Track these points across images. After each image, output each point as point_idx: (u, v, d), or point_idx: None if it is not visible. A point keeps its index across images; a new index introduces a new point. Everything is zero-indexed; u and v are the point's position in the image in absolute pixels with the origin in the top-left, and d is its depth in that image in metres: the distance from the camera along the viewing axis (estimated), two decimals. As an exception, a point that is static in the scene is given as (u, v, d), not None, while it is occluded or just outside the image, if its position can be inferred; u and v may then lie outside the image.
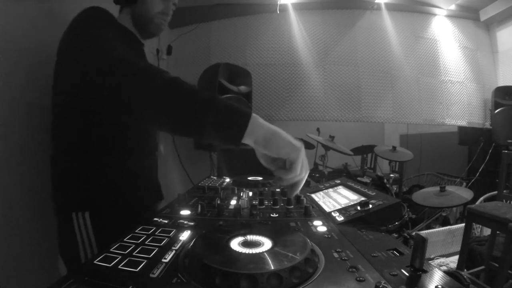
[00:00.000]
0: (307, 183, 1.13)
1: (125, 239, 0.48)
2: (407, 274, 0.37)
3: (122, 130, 0.82)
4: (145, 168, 0.94)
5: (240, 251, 0.40)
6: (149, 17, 0.88)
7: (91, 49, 0.65)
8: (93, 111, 0.74)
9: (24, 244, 0.92)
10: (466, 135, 3.24)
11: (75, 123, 0.78)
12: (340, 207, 0.71)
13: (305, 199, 0.75)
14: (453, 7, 3.06)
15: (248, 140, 0.54)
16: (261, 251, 0.40)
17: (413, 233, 1.74)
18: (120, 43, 0.70)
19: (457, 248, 1.95)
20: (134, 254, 0.42)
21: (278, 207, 0.71)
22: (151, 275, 0.36)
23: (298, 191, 0.61)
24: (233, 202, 0.76)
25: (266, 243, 0.43)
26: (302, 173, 0.58)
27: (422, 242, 0.36)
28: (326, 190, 0.93)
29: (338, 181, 0.97)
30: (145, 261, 0.40)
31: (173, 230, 0.53)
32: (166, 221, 0.59)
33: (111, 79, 0.59)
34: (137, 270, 0.37)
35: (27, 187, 0.95)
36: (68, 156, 0.81)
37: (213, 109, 0.53)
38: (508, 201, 1.94)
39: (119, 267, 0.38)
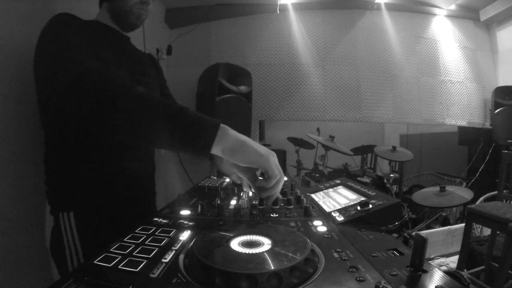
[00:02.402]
0: (307, 183, 1.13)
1: (125, 239, 0.48)
2: (407, 274, 0.37)
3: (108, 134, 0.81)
4: (134, 168, 0.92)
5: (240, 251, 0.40)
6: (126, 9, 0.87)
7: (56, 61, 0.65)
8: (71, 116, 0.72)
9: (19, 244, 0.92)
10: (466, 135, 3.24)
11: (58, 123, 0.79)
12: (340, 207, 0.71)
13: (305, 199, 0.75)
14: (453, 7, 3.06)
15: (216, 150, 0.54)
16: (261, 251, 0.40)
17: (413, 233, 1.74)
18: (94, 42, 0.70)
19: (457, 248, 1.96)
20: (134, 254, 0.42)
21: (278, 207, 0.71)
22: (151, 275, 0.36)
23: (275, 197, 0.63)
24: (233, 202, 0.76)
25: (266, 243, 0.43)
26: (281, 177, 0.59)
27: (422, 242, 0.36)
28: (326, 190, 0.93)
29: (338, 181, 0.97)
30: (145, 261, 0.40)
31: (173, 230, 0.52)
32: (166, 221, 0.59)
33: (73, 90, 0.59)
34: (137, 270, 0.37)
35: (23, 186, 0.95)
36: (56, 155, 0.81)
37: (180, 122, 0.54)
38: (508, 201, 1.94)
39: (119, 267, 0.38)
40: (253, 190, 0.67)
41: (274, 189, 0.60)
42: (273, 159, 0.58)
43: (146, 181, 1.01)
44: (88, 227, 0.78)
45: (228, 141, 0.55)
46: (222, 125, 0.55)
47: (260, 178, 0.63)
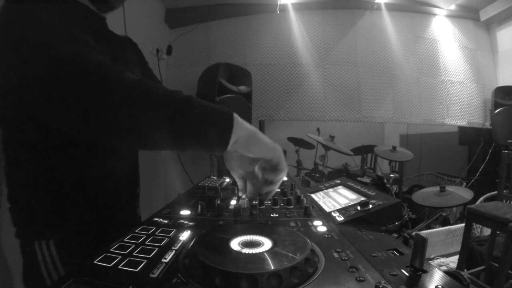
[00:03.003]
0: (307, 183, 1.13)
1: (125, 239, 0.48)
2: (407, 274, 0.37)
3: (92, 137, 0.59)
4: (118, 172, 0.76)
5: (240, 251, 0.40)
6: None
7: (22, 45, 0.48)
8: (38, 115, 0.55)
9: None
10: (466, 135, 3.24)
11: (23, 130, 0.60)
12: (340, 207, 0.71)
13: (305, 199, 0.75)
14: (453, 7, 3.07)
15: (231, 140, 0.48)
16: (261, 251, 0.40)
17: (413, 233, 1.74)
18: (69, 24, 0.55)
19: (457, 248, 1.96)
20: (134, 254, 0.42)
21: (278, 207, 0.71)
22: (151, 275, 0.36)
23: (274, 193, 0.61)
24: (233, 202, 0.76)
25: (266, 243, 0.43)
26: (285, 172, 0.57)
27: (422, 242, 0.36)
28: (326, 190, 0.93)
29: (338, 181, 0.97)
30: (145, 261, 0.40)
31: (173, 230, 0.52)
32: (166, 221, 0.59)
33: (46, 84, 0.45)
34: (137, 270, 0.37)
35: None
36: (22, 172, 0.63)
37: (191, 110, 0.45)
38: (508, 201, 1.94)
39: (119, 267, 0.38)
40: (249, 193, 0.65)
41: (278, 183, 0.59)
42: (281, 151, 0.56)
43: (129, 185, 0.86)
44: (73, 253, 0.58)
45: (243, 131, 0.49)
46: (235, 115, 0.49)
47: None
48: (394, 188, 2.54)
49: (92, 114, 0.45)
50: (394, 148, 2.45)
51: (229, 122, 0.48)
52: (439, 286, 0.33)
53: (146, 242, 0.47)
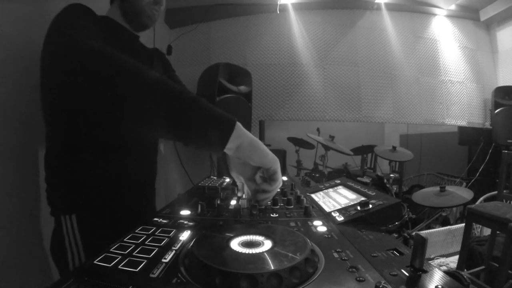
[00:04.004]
0: (307, 183, 1.13)
1: (125, 239, 0.48)
2: (407, 274, 0.37)
3: (111, 129, 0.78)
4: (137, 171, 0.90)
5: (240, 251, 0.40)
6: (139, 8, 0.85)
7: (64, 41, 0.60)
8: (76, 109, 0.70)
9: (17, 244, 0.91)
10: (466, 135, 3.24)
11: (61, 123, 0.76)
12: (340, 207, 0.71)
13: (305, 199, 0.75)
14: (453, 7, 3.06)
15: (232, 144, 0.53)
16: (261, 251, 0.40)
17: (413, 233, 1.74)
18: (103, 36, 0.66)
19: (457, 248, 1.96)
20: (134, 254, 0.42)
21: (278, 207, 0.71)
22: (151, 275, 0.36)
23: (269, 200, 0.64)
24: (233, 202, 0.76)
25: (266, 243, 0.43)
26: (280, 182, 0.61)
27: (422, 242, 0.36)
28: (326, 190, 0.93)
29: (338, 181, 0.97)
30: (145, 261, 0.40)
31: (173, 230, 0.52)
32: (166, 221, 0.59)
33: (83, 70, 0.54)
34: (137, 270, 0.37)
35: (22, 187, 0.94)
36: (58, 157, 0.79)
37: (200, 108, 0.51)
38: (508, 201, 1.94)
39: (119, 267, 0.38)
40: (247, 193, 0.67)
41: (273, 192, 0.61)
42: (279, 164, 0.60)
43: (147, 185, 0.99)
44: (90, 230, 0.76)
45: (246, 138, 0.54)
46: (237, 122, 0.54)
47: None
48: (394, 188, 2.54)
49: (111, 97, 0.53)
50: (394, 148, 2.45)
51: (231, 126, 0.52)
52: (439, 286, 0.33)
53: (146, 242, 0.47)
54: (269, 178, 0.59)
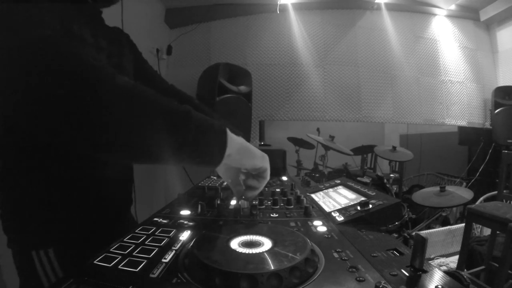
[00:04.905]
0: (307, 183, 1.13)
1: (125, 239, 0.48)
2: (407, 274, 0.37)
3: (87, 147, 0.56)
4: (111, 176, 0.75)
5: (240, 251, 0.40)
6: None
7: (6, 22, 0.41)
8: (30, 120, 0.44)
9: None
10: (466, 135, 3.24)
11: (15, 135, 0.59)
12: (340, 207, 0.71)
13: (305, 199, 0.75)
14: (453, 7, 3.07)
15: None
16: (261, 251, 0.40)
17: (413, 233, 1.74)
18: (65, 13, 0.54)
19: (457, 248, 1.96)
20: (134, 254, 0.42)
21: (278, 207, 0.71)
22: (151, 275, 0.36)
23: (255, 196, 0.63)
24: (233, 202, 0.76)
25: (266, 243, 0.43)
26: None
27: (422, 242, 0.36)
28: (326, 190, 0.93)
29: (338, 181, 0.97)
30: (145, 261, 0.40)
31: (173, 230, 0.52)
32: (166, 221, 0.59)
33: (35, 66, 0.37)
34: (137, 270, 0.37)
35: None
36: (17, 179, 0.61)
37: (191, 124, 0.42)
38: (508, 201, 1.94)
39: (119, 267, 0.38)
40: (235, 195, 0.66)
41: (259, 189, 0.61)
42: (268, 160, 0.58)
43: (123, 189, 0.85)
44: (73, 259, 0.55)
45: (234, 145, 0.50)
46: (227, 129, 0.48)
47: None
48: (394, 188, 2.54)
49: (80, 120, 0.37)
50: (394, 148, 2.45)
51: (223, 142, 0.47)
52: (439, 286, 0.33)
53: (146, 242, 0.47)
54: (258, 175, 0.58)
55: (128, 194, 0.87)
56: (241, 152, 0.52)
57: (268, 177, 0.59)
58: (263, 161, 0.57)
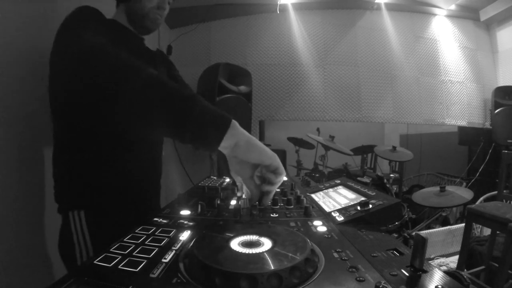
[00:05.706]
0: (307, 183, 1.13)
1: (125, 239, 0.48)
2: (407, 274, 0.37)
3: (114, 126, 0.78)
4: (142, 169, 0.92)
5: (240, 251, 0.40)
6: (143, 12, 0.88)
7: (71, 40, 0.64)
8: (81, 106, 0.72)
9: (24, 243, 0.92)
10: (466, 135, 3.24)
11: (68, 121, 0.79)
12: (340, 207, 0.71)
13: (305, 199, 0.75)
14: (453, 7, 3.07)
15: (228, 142, 0.53)
16: (261, 251, 0.40)
17: (413, 233, 1.74)
18: (110, 38, 0.68)
19: (457, 248, 1.96)
20: (134, 254, 0.42)
21: (278, 207, 0.71)
22: (151, 275, 0.36)
23: (272, 195, 0.64)
24: (233, 202, 0.76)
25: (266, 243, 0.43)
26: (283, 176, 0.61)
27: (422, 242, 0.36)
28: (326, 190, 0.93)
29: (338, 181, 0.97)
30: (145, 261, 0.40)
31: (173, 230, 0.52)
32: (166, 221, 0.59)
33: (86, 65, 0.57)
34: (137, 270, 0.37)
35: (26, 186, 0.95)
36: (65, 154, 0.81)
37: (195, 105, 0.52)
38: (508, 201, 1.94)
39: (119, 267, 0.38)
40: (246, 193, 0.67)
41: (277, 185, 0.62)
42: (278, 158, 0.60)
43: (152, 182, 1.01)
44: (99, 225, 0.78)
45: (243, 136, 0.55)
46: (233, 120, 0.55)
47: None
48: (394, 188, 2.54)
49: (117, 96, 0.54)
50: (394, 148, 2.45)
51: (226, 124, 0.53)
52: (439, 286, 0.33)
53: (146, 242, 0.47)
54: (273, 172, 0.59)
55: (156, 184, 1.03)
56: (249, 145, 0.55)
57: (283, 172, 0.60)
58: (273, 158, 0.58)
